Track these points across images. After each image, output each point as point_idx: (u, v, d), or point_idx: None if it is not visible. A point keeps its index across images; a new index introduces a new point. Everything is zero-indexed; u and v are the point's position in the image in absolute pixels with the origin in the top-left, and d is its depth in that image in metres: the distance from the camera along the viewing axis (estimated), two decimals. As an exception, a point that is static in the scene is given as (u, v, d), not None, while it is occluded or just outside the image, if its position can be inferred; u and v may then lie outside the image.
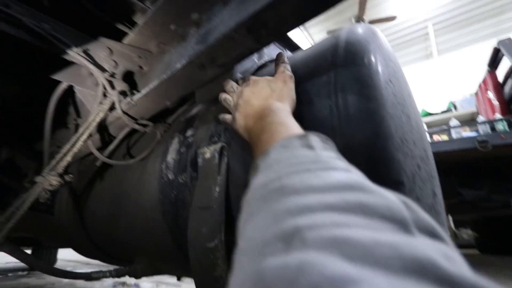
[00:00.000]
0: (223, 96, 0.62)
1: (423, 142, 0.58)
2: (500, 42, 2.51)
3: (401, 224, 0.18)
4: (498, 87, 2.85)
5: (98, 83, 0.88)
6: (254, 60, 0.76)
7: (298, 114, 0.52)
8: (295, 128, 0.41)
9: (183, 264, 0.79)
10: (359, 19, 5.45)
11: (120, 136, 0.90)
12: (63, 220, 1.38)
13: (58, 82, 1.02)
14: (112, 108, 0.88)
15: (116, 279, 2.86)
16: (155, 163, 0.84)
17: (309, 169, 0.26)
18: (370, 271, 0.14)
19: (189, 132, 0.78)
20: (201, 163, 0.62)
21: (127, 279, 2.87)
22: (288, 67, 0.58)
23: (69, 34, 0.80)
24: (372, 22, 5.45)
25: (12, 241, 0.78)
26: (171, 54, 0.84)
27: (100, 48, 0.85)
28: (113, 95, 0.80)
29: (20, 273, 3.00)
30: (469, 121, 4.03)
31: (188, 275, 0.93)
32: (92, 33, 0.87)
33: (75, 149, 0.75)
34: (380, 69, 0.48)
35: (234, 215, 0.57)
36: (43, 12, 0.77)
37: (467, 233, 5.36)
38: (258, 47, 0.55)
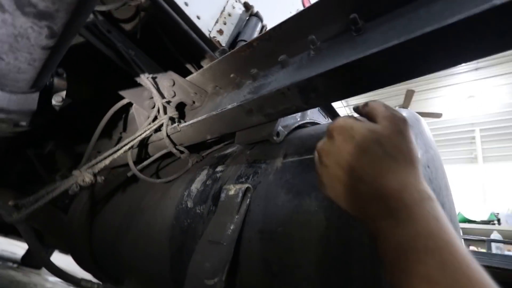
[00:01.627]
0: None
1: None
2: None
3: None
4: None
5: (155, 106, 0.98)
6: (297, 119, 0.81)
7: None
8: (471, 272, 0.25)
9: (173, 300, 0.74)
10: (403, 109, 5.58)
11: (156, 155, 0.96)
12: (74, 221, 1.41)
13: (116, 97, 1.16)
14: (158, 130, 0.97)
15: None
16: (179, 188, 0.87)
17: None
18: None
19: (219, 168, 0.81)
20: (224, 198, 0.63)
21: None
22: (394, 110, 0.39)
23: (146, 62, 0.94)
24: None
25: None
26: (223, 98, 0.93)
27: (166, 79, 0.98)
28: (164, 119, 0.89)
29: (10, 264, 2.98)
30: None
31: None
32: (164, 65, 1.01)
33: (115, 156, 0.81)
34: (419, 152, 0.49)
35: (241, 258, 0.55)
36: (133, 41, 0.93)
37: None
38: (304, 107, 0.60)
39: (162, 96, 0.97)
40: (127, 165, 0.98)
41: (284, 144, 0.69)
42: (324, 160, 0.39)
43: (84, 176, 0.74)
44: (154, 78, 0.97)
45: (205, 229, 0.62)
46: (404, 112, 0.61)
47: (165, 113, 0.95)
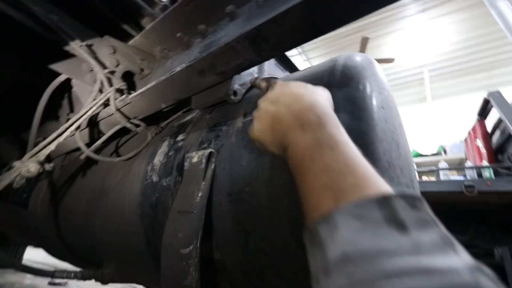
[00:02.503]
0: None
1: (410, 172, 0.59)
2: (490, 94, 2.64)
3: None
4: (487, 136, 2.95)
5: (97, 79, 0.88)
6: (253, 75, 0.78)
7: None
8: (362, 164, 0.30)
9: (154, 273, 0.75)
10: (360, 56, 5.69)
11: (109, 133, 0.88)
12: (36, 214, 1.32)
13: (55, 74, 1.02)
14: (106, 104, 0.88)
15: (80, 283, 2.69)
16: (141, 164, 0.83)
17: (415, 278, 0.19)
18: None
19: (180, 137, 0.77)
20: (187, 167, 0.61)
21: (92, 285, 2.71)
22: None
23: (75, 27, 0.81)
24: (372, 61, 5.70)
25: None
26: (174, 61, 0.85)
27: (104, 46, 0.86)
28: (110, 91, 0.80)
29: (-19, 268, 2.81)
30: (458, 165, 4.12)
31: (158, 285, 0.88)
32: (98, 30, 0.89)
33: (61, 139, 0.73)
34: (373, 94, 0.50)
35: (213, 223, 0.55)
36: (53, 4, 0.78)
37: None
38: (258, 60, 0.57)
39: (104, 67, 0.87)
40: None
41: (243, 103, 0.66)
42: (261, 104, 0.45)
43: (28, 166, 0.66)
44: (89, 46, 0.85)
45: (174, 200, 0.61)
46: (359, 56, 0.60)
47: (111, 85, 0.86)
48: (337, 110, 0.47)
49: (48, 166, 0.69)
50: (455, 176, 3.23)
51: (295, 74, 0.67)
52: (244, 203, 0.52)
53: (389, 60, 5.40)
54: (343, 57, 0.59)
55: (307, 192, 0.31)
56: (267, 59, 0.57)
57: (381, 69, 0.63)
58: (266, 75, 0.83)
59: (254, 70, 0.80)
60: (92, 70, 0.91)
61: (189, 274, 0.48)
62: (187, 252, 0.50)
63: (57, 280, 2.81)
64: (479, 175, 2.65)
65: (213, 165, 0.59)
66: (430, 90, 6.78)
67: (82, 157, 0.84)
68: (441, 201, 2.18)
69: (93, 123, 0.92)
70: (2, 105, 1.34)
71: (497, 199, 2.03)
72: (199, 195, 0.55)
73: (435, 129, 6.11)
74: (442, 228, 0.24)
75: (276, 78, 0.51)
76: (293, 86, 0.43)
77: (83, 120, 0.79)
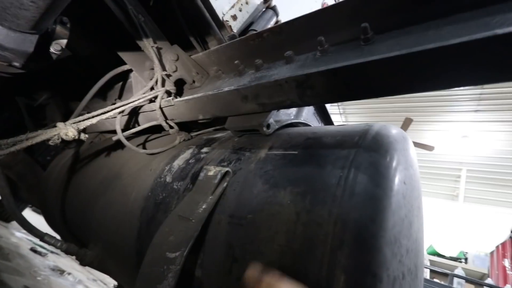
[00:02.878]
0: None
1: (417, 258, 0.55)
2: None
3: None
4: (516, 259, 2.67)
5: (153, 77, 0.97)
6: (290, 116, 0.82)
7: (308, 173, 0.54)
8: None
9: (132, 270, 0.74)
10: (399, 135, 5.65)
11: (145, 125, 0.95)
12: (50, 179, 1.39)
13: (117, 62, 1.14)
14: (152, 101, 0.96)
15: (57, 265, 2.67)
16: (161, 162, 0.87)
17: None
18: None
19: (204, 149, 0.81)
20: (202, 177, 0.63)
21: (66, 269, 2.67)
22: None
23: (154, 30, 0.93)
24: (410, 142, 5.62)
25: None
26: (224, 82, 0.93)
27: (171, 52, 0.97)
28: (160, 90, 0.88)
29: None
30: (478, 279, 3.70)
31: (130, 285, 0.86)
32: (170, 36, 1.00)
33: (103, 117, 0.80)
34: (398, 167, 0.50)
35: (206, 238, 0.55)
36: (144, 7, 0.91)
37: None
38: (299, 103, 0.60)
39: (163, 68, 0.96)
40: (115, 132, 0.97)
41: (273, 137, 0.69)
42: None
43: (68, 130, 0.72)
44: (158, 49, 0.96)
45: (178, 204, 0.62)
46: (395, 129, 0.62)
47: (163, 85, 0.94)
48: (359, 170, 0.48)
49: (83, 136, 0.75)
50: (470, 291, 2.90)
51: (329, 127, 0.70)
52: (241, 229, 0.52)
53: (428, 147, 5.27)
54: (378, 125, 0.61)
55: None
56: (308, 105, 0.60)
57: (413, 148, 0.63)
58: (301, 120, 0.87)
59: (292, 112, 0.84)
60: (152, 69, 1.02)
61: (166, 280, 0.47)
62: (172, 257, 0.50)
63: (38, 249, 2.83)
64: (499, 299, 2.35)
65: (225, 184, 0.60)
66: (464, 190, 6.41)
67: (114, 138, 0.90)
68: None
69: (134, 112, 1.00)
70: (65, 74, 1.50)
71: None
72: (203, 206, 0.56)
73: (460, 232, 5.65)
74: None
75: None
76: None
77: (128, 107, 0.86)
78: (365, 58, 0.47)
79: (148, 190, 0.79)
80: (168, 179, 0.77)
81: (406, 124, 5.24)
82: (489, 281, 2.96)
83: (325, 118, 1.06)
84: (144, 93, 0.92)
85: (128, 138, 1.03)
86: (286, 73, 0.69)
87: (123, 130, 1.01)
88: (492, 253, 3.08)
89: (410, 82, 0.46)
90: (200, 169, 0.70)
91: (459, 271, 3.01)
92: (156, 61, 0.92)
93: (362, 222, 0.41)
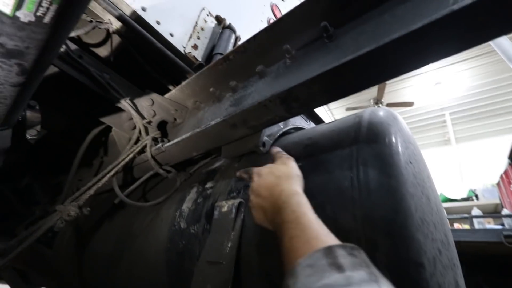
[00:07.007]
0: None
1: (444, 226, 0.57)
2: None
3: None
4: (522, 182, 2.77)
5: (136, 128, 0.96)
6: (280, 126, 0.83)
7: (319, 183, 0.55)
8: (314, 227, 0.41)
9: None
10: (378, 101, 5.78)
11: (143, 178, 0.94)
12: (60, 255, 1.34)
13: (92, 123, 1.12)
14: (141, 151, 0.95)
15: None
16: (170, 209, 0.85)
17: None
18: None
19: (208, 184, 0.81)
20: (217, 215, 0.63)
21: None
22: (282, 151, 0.64)
23: (123, 84, 0.92)
24: (390, 105, 5.76)
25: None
26: (205, 112, 0.93)
27: (144, 99, 0.96)
28: (147, 140, 0.87)
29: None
30: (493, 212, 3.82)
31: None
32: (140, 84, 1.00)
33: (99, 184, 0.79)
34: (400, 149, 0.51)
35: (242, 275, 0.55)
36: (107, 65, 0.91)
37: None
38: (287, 116, 0.61)
39: (142, 117, 0.96)
40: (111, 190, 0.95)
41: (271, 154, 0.69)
42: (250, 196, 0.56)
43: (69, 210, 0.71)
44: (132, 100, 0.95)
45: (202, 249, 0.62)
46: (382, 111, 0.63)
47: (147, 133, 0.93)
48: (367, 166, 0.49)
49: (86, 211, 0.74)
50: (491, 225, 2.99)
51: (321, 127, 0.71)
52: (273, 256, 0.52)
53: (408, 104, 5.43)
54: (367, 113, 0.62)
55: (283, 257, 0.41)
56: (296, 115, 0.61)
57: (405, 123, 0.65)
58: (290, 126, 0.88)
59: (280, 121, 0.85)
60: (131, 119, 1.01)
61: (219, 331, 0.47)
62: (217, 306, 0.49)
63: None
64: (519, 224, 2.43)
65: (242, 215, 0.60)
66: (453, 133, 6.62)
67: (116, 201, 0.88)
68: (478, 252, 1.98)
69: (128, 167, 0.98)
70: (45, 151, 1.46)
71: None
72: (229, 245, 0.56)
73: (462, 172, 5.82)
74: (373, 269, 0.32)
75: (251, 169, 0.62)
76: (266, 178, 0.55)
77: (120, 167, 0.85)
78: (338, 60, 0.49)
79: (166, 242, 0.78)
80: (183, 225, 0.76)
81: (381, 88, 5.38)
82: (505, 211, 3.06)
83: (312, 115, 1.07)
84: (131, 147, 0.91)
85: (127, 195, 1.01)
86: (264, 89, 0.70)
87: (121, 187, 0.99)
88: (498, 183, 3.19)
89: (385, 70, 0.48)
90: (211, 207, 0.69)
91: (475, 212, 3.10)
92: (134, 112, 0.91)
93: (388, 217, 0.42)
